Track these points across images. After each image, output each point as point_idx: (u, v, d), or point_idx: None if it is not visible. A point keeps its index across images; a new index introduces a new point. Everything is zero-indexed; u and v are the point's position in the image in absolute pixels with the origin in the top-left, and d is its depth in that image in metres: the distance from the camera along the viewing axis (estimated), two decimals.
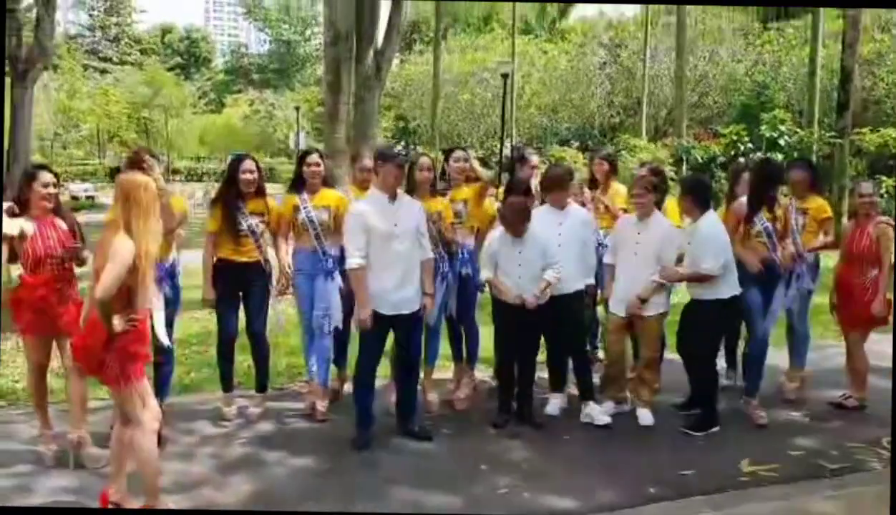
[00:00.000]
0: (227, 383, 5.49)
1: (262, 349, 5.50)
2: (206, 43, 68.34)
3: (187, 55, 62.77)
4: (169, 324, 4.92)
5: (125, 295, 3.63)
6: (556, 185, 5.38)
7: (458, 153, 5.80)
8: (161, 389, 5.02)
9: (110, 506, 3.86)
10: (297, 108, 37.90)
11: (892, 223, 5.51)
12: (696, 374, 5.38)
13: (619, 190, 6.19)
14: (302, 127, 38.64)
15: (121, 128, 41.32)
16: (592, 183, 6.20)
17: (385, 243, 4.80)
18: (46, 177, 4.56)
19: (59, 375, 5.27)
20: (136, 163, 4.82)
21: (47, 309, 4.43)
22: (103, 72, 46.01)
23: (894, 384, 4.34)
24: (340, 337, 5.60)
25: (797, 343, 5.91)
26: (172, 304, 4.98)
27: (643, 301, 5.22)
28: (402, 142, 34.48)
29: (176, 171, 42.12)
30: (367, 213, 4.81)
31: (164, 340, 4.73)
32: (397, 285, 4.84)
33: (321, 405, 5.40)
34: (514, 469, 4.57)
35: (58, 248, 4.51)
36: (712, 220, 5.25)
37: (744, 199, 5.52)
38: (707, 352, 5.31)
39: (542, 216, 5.34)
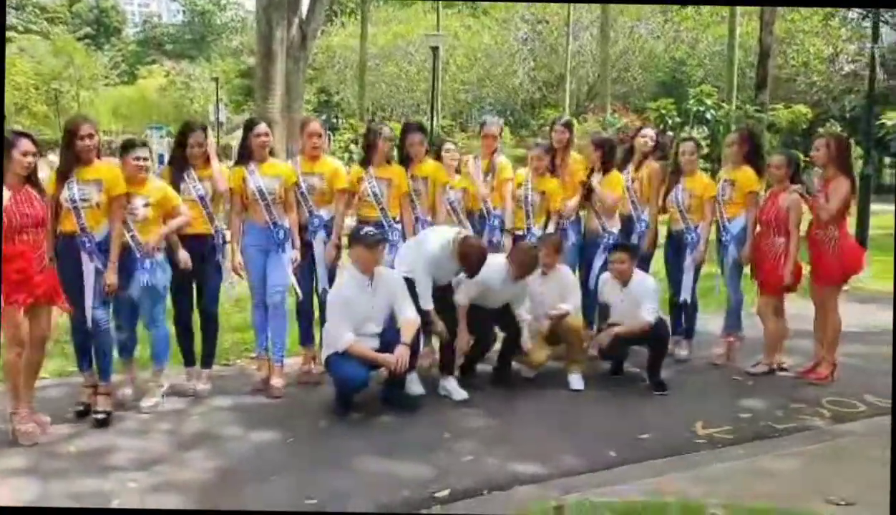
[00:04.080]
0: (187, 357, 5.40)
1: (213, 326, 5.39)
2: (117, 12, 65.54)
3: (97, 25, 60.14)
4: (104, 300, 4.76)
5: None
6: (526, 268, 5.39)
7: (449, 145, 6.08)
8: (102, 366, 4.84)
9: None
10: (216, 80, 36.87)
11: (803, 192, 5.69)
12: None
13: (576, 158, 6.26)
14: (221, 98, 37.63)
15: (29, 99, 39.41)
16: (551, 152, 6.17)
17: (361, 324, 4.92)
18: (27, 145, 4.33)
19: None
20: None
21: (28, 280, 4.23)
22: (7, 41, 43.74)
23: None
24: (307, 317, 5.61)
25: (729, 309, 6.13)
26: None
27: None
28: (325, 116, 34.05)
29: None
30: (347, 297, 4.92)
31: (88, 314, 4.67)
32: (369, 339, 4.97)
33: (278, 382, 5.33)
34: (478, 437, 4.60)
35: (37, 217, 4.34)
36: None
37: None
38: None
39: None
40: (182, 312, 5.31)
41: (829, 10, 28.60)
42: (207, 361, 5.44)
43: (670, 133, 13.07)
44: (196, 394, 5.23)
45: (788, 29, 27.93)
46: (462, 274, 5.24)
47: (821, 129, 14.57)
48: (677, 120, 13.51)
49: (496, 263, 5.35)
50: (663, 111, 13.60)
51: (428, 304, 5.10)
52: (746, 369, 5.85)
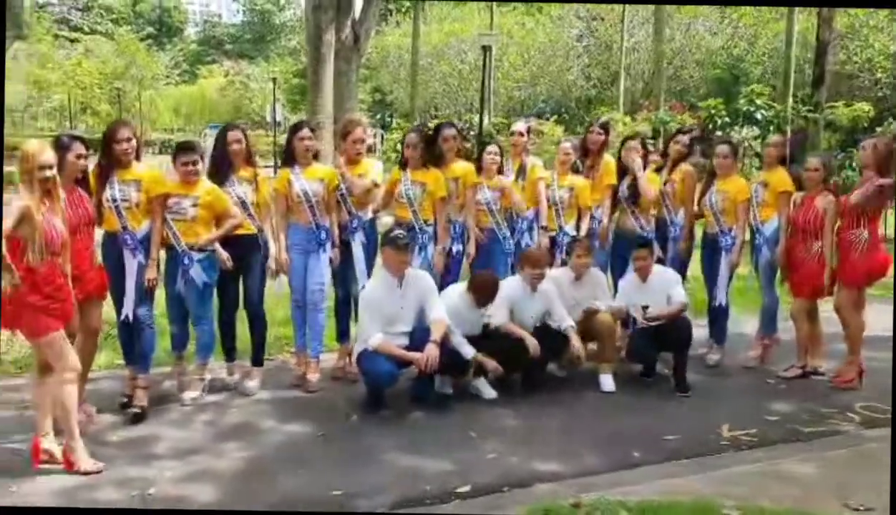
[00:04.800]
0: (229, 352, 5.60)
1: (260, 324, 5.56)
2: (179, 12, 67.13)
3: (159, 25, 61.71)
4: (148, 294, 4.97)
5: (19, 249, 3.88)
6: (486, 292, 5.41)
7: (491, 146, 6.11)
8: (140, 360, 5.04)
9: (43, 457, 4.10)
10: (274, 80, 37.48)
11: (837, 195, 5.66)
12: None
13: (608, 161, 6.29)
14: (278, 98, 38.24)
15: (93, 98, 40.68)
16: (584, 152, 6.28)
17: (390, 324, 5.07)
18: (80, 148, 4.57)
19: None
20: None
21: (81, 276, 4.42)
22: (74, 41, 45.20)
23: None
24: (344, 315, 5.75)
25: (763, 312, 6.11)
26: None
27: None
28: (380, 115, 34.31)
29: (149, 143, 41.58)
30: (377, 297, 5.08)
31: (128, 310, 4.89)
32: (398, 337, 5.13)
33: (313, 377, 5.50)
34: (502, 436, 4.70)
35: (86, 218, 4.57)
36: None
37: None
38: None
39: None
40: (226, 309, 5.49)
41: None
42: (257, 359, 5.60)
43: (719, 133, 12.94)
44: (246, 392, 5.39)
45: (852, 24, 27.17)
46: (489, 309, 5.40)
47: (879, 129, 14.21)
48: (726, 120, 13.32)
49: (510, 280, 5.56)
50: (713, 111, 13.44)
51: (469, 352, 5.21)
52: (778, 373, 5.82)
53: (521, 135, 6.25)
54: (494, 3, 31.88)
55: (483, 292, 5.30)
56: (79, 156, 4.55)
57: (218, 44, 63.90)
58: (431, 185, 5.67)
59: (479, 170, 5.94)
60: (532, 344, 5.32)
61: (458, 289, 5.45)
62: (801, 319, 5.77)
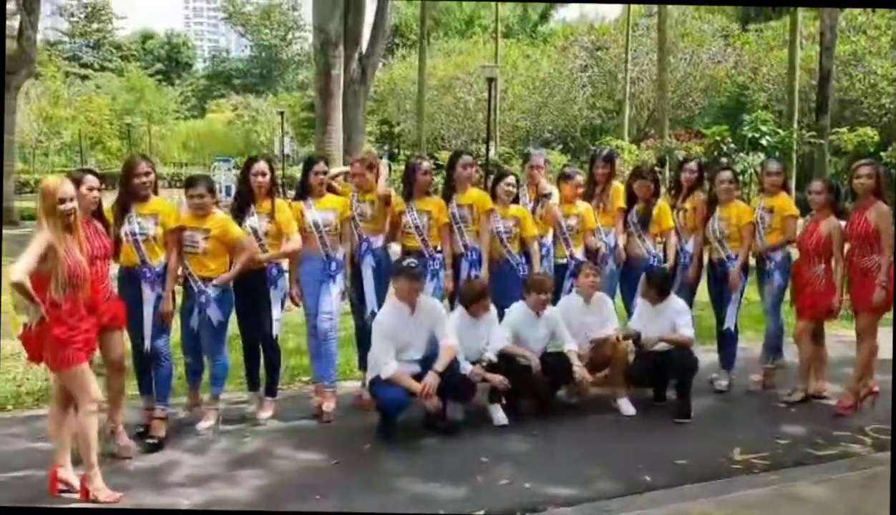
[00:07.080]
0: (252, 382, 5.65)
1: (275, 355, 5.62)
2: (187, 48, 68.11)
3: (168, 61, 62.60)
4: (164, 328, 5.05)
5: (44, 283, 3.97)
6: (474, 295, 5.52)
7: (510, 178, 6.04)
8: (159, 391, 5.10)
9: (60, 486, 4.21)
10: (282, 114, 37.94)
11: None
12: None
13: (618, 188, 6.37)
14: (286, 131, 38.64)
15: (103, 134, 41.21)
16: (593, 182, 6.35)
17: (403, 351, 5.16)
18: (92, 181, 4.67)
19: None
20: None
21: (95, 307, 4.45)
22: (84, 78, 45.91)
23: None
24: (367, 342, 5.70)
25: (768, 337, 6.16)
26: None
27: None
28: (387, 146, 34.63)
29: (159, 177, 42.04)
30: (390, 325, 5.13)
31: (147, 343, 4.96)
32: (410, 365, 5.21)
33: (329, 406, 5.54)
34: (515, 462, 4.73)
35: (102, 250, 4.63)
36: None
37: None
38: None
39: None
40: (247, 340, 5.57)
41: None
42: (271, 389, 5.64)
43: (724, 160, 13.05)
44: (257, 421, 5.44)
45: (854, 51, 27.42)
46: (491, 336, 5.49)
47: (883, 153, 14.31)
48: (732, 146, 13.46)
49: (515, 306, 5.62)
50: (717, 138, 13.56)
51: (468, 367, 5.29)
52: (782, 398, 5.83)
53: (540, 168, 6.28)
54: (499, 36, 32.28)
55: (472, 296, 5.44)
56: (90, 189, 4.64)
57: (226, 78, 64.66)
58: (436, 213, 5.76)
59: (493, 198, 5.97)
60: (534, 361, 5.40)
61: (457, 311, 5.55)
62: (805, 342, 5.77)
